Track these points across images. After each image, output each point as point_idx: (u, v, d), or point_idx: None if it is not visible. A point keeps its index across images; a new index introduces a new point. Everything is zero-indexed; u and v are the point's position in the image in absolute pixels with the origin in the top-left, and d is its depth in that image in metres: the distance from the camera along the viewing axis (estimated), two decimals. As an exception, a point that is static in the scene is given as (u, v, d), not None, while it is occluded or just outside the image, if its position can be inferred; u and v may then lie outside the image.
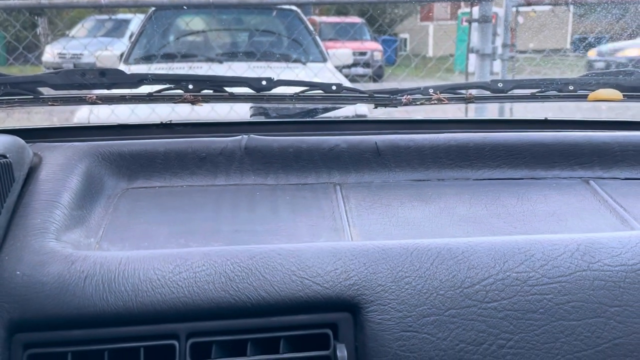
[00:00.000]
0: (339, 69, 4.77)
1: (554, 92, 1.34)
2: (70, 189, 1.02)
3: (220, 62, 4.19)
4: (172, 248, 0.96)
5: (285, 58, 4.37)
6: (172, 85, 1.27)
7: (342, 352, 0.83)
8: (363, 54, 9.68)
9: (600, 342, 0.85)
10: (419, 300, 0.86)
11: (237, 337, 0.84)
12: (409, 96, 1.32)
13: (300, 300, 0.85)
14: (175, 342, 0.83)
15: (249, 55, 4.33)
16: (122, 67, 3.92)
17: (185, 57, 4.23)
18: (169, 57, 4.24)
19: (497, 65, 4.77)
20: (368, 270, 0.87)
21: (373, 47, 10.15)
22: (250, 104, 1.46)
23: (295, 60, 4.39)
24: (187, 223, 1.05)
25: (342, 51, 5.38)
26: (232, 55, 4.45)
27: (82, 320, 0.82)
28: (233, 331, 0.85)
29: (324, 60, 4.65)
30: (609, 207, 1.11)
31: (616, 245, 0.91)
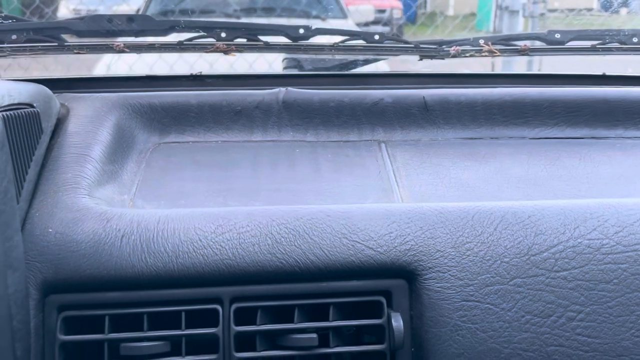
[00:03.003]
0: (360, 26, 4.63)
1: (616, 45, 1.23)
2: (101, 142, 0.95)
3: (238, 18, 4.08)
4: (211, 207, 0.89)
5: (305, 14, 4.25)
6: (203, 34, 1.19)
7: (397, 321, 0.77)
8: (382, 11, 9.39)
9: None
10: (482, 267, 0.79)
11: (284, 303, 0.79)
12: (457, 47, 1.22)
13: (351, 266, 0.79)
14: (219, 307, 0.77)
15: (267, 12, 4.22)
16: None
17: (202, 13, 4.12)
18: (186, 12, 4.13)
19: (521, 24, 4.57)
20: (425, 234, 0.80)
21: (393, 5, 9.84)
22: (284, 56, 1.36)
23: (315, 17, 4.26)
24: (225, 181, 0.99)
25: (364, 7, 5.21)
26: (249, 11, 4.34)
27: (120, 281, 0.76)
28: (279, 296, 0.79)
29: (344, 16, 4.52)
30: None
31: None
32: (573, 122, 1.13)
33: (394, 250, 0.79)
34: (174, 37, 1.20)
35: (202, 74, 1.24)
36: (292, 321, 0.78)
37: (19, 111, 0.83)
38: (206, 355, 0.77)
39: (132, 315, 0.77)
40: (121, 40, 1.17)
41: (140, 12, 4.20)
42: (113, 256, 0.77)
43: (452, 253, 0.79)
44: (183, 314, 0.77)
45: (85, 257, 0.77)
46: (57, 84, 1.14)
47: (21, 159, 0.82)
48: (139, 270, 0.76)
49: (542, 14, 4.78)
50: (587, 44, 1.25)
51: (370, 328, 0.80)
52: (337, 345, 0.79)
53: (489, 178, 1.00)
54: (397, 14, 10.04)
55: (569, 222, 0.81)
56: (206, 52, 1.20)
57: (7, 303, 0.68)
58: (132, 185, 0.96)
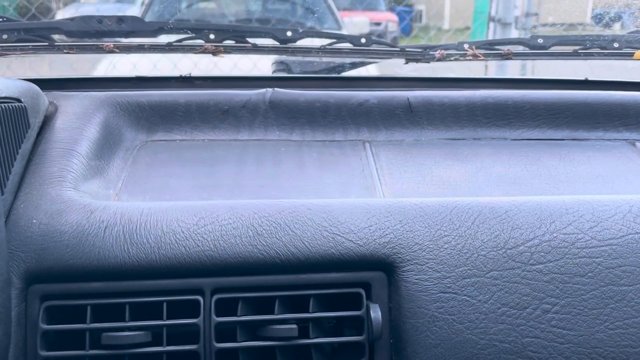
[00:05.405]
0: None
1: (597, 50, 1.26)
2: (87, 138, 0.96)
3: None
4: (194, 201, 0.91)
5: (299, 25, 4.30)
6: (192, 35, 1.21)
7: (376, 312, 0.78)
8: (378, 24, 9.46)
9: None
10: (459, 260, 0.80)
11: (265, 294, 0.80)
12: (442, 51, 1.24)
13: (331, 258, 0.80)
14: (200, 298, 0.78)
15: (262, 23, 4.27)
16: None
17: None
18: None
19: (515, 36, 4.62)
20: (404, 228, 0.82)
21: (388, 18, 9.92)
22: (273, 58, 1.39)
23: (310, 28, 4.31)
24: (210, 177, 1.00)
25: (359, 19, 5.26)
26: (244, 22, 4.39)
27: (102, 272, 0.77)
28: (260, 288, 0.80)
29: (339, 28, 4.57)
30: None
31: None
32: (554, 124, 1.15)
33: (373, 243, 0.81)
34: (163, 39, 1.22)
35: (192, 75, 1.26)
36: (272, 312, 0.79)
37: (5, 105, 0.84)
38: (187, 345, 0.77)
39: (114, 305, 0.78)
40: (110, 40, 1.19)
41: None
42: (96, 247, 0.78)
43: (430, 246, 0.81)
44: (164, 305, 0.78)
45: (68, 247, 0.78)
46: (47, 84, 1.15)
47: (7, 152, 0.84)
48: (121, 261, 0.77)
49: (534, 27, 4.84)
50: (569, 49, 1.27)
51: (350, 320, 0.81)
52: (317, 337, 0.80)
53: (470, 177, 1.02)
54: (393, 26, 10.11)
55: (545, 217, 0.83)
56: (195, 52, 1.22)
57: None
58: (118, 181, 0.97)
